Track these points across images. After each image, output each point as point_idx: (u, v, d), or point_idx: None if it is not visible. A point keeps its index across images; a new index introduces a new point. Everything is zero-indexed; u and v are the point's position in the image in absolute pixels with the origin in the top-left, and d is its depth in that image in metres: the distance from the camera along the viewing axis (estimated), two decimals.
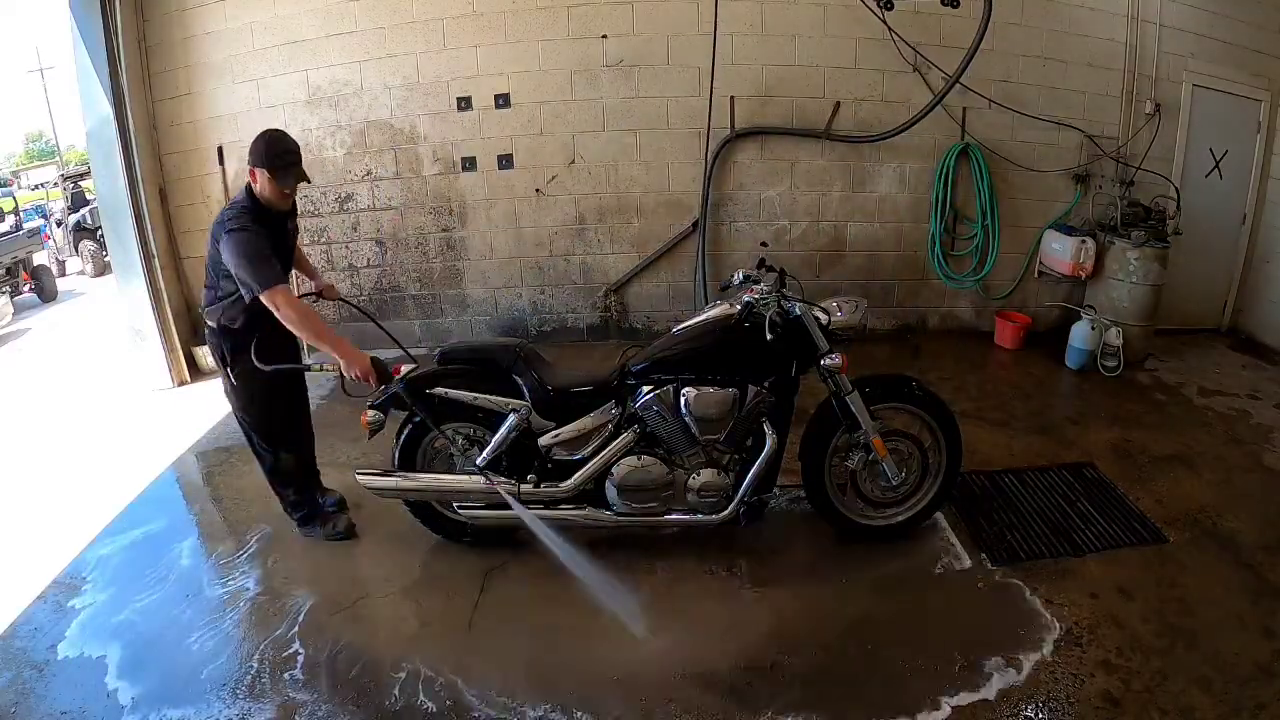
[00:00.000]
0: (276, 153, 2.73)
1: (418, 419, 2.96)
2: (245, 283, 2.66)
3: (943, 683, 2.40)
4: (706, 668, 2.50)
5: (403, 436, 3.00)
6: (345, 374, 2.73)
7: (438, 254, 5.45)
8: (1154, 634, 2.58)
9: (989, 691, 2.37)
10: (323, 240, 5.45)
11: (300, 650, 2.64)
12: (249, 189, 2.80)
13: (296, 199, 3.01)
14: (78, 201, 13.35)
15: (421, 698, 2.42)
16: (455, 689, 2.45)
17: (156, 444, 4.26)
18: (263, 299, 2.63)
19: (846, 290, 4.99)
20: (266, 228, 2.75)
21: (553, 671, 2.52)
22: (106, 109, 4.75)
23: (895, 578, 2.92)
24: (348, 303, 3.60)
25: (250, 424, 3.07)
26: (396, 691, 2.45)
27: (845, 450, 3.03)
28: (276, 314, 2.65)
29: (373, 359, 2.74)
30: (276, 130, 2.83)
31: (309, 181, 2.96)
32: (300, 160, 2.80)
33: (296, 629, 2.75)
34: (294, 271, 3.16)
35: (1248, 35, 5.11)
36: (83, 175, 14.30)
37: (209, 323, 2.94)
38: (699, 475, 2.85)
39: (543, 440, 2.89)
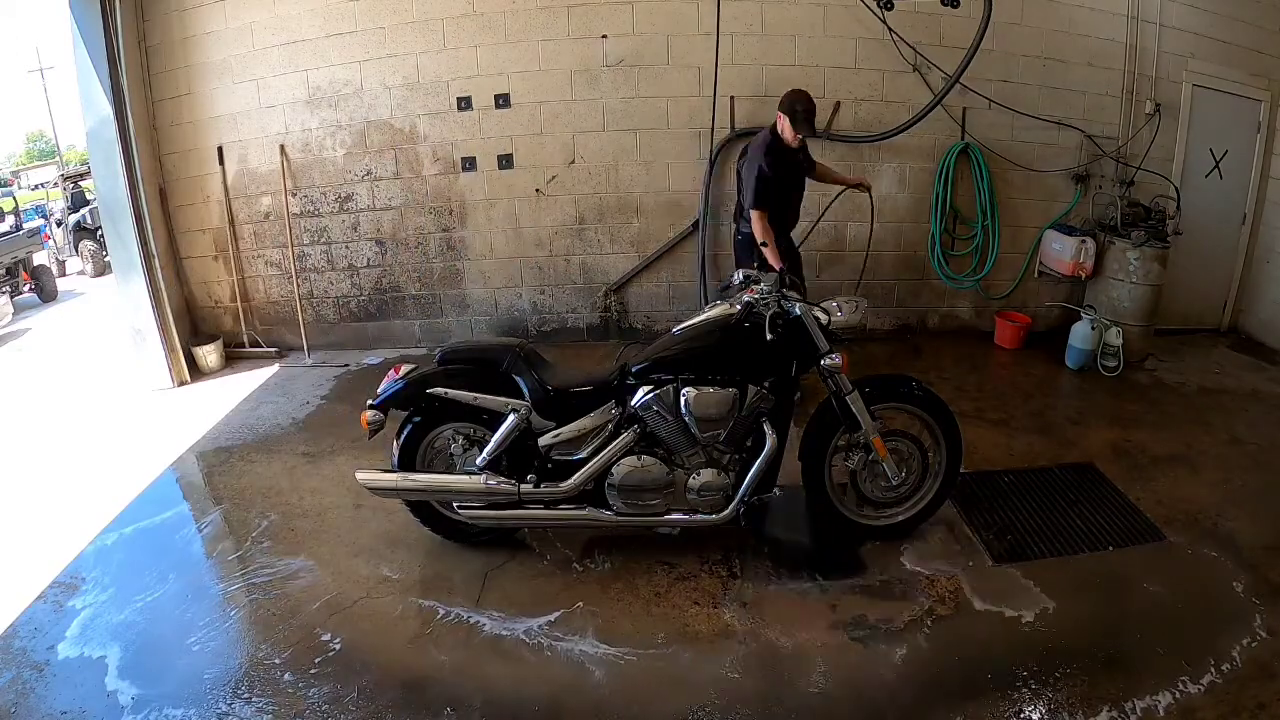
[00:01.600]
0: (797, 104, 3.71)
1: (418, 419, 2.96)
2: (746, 196, 3.93)
3: None
4: (705, 668, 2.50)
5: (403, 436, 3.00)
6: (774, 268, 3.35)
7: (438, 254, 5.45)
8: (1153, 633, 2.58)
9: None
10: (323, 240, 5.45)
11: (301, 651, 2.64)
12: (774, 128, 3.86)
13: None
14: (78, 201, 13.33)
15: (421, 698, 2.42)
16: (455, 689, 2.45)
17: (156, 444, 4.26)
18: (751, 211, 3.83)
19: (846, 290, 4.99)
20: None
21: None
22: (106, 109, 4.75)
23: (895, 578, 2.92)
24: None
25: None
26: (397, 692, 2.45)
27: (845, 450, 3.03)
28: (754, 225, 3.82)
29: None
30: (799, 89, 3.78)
31: (815, 134, 3.96)
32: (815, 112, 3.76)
33: (297, 629, 2.75)
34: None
35: (1248, 35, 5.10)
36: (83, 175, 14.30)
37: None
38: (699, 475, 2.85)
39: (543, 440, 2.89)
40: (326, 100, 5.15)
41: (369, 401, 2.91)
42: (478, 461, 2.88)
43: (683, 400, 2.75)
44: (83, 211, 12.81)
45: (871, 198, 4.31)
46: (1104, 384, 4.70)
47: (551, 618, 2.76)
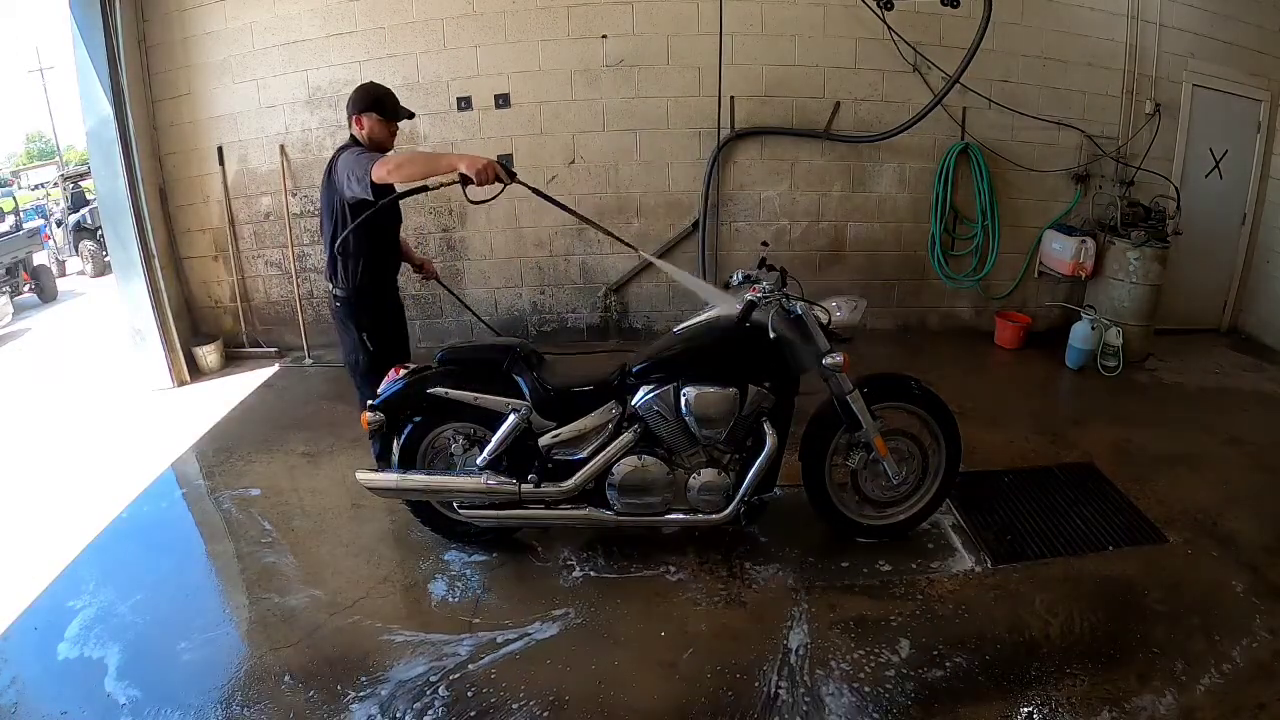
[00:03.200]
0: (380, 95, 2.95)
1: (418, 419, 2.96)
2: (358, 179, 2.74)
3: None
4: (705, 668, 2.50)
5: (403, 436, 3.00)
6: (471, 176, 2.57)
7: (438, 254, 5.45)
8: (1153, 633, 2.58)
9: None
10: (323, 240, 5.44)
11: (300, 651, 2.64)
12: (353, 138, 2.99)
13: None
14: (78, 201, 13.34)
15: (421, 698, 2.42)
16: (455, 688, 2.45)
17: (156, 444, 4.26)
18: (374, 177, 2.68)
19: (847, 290, 4.99)
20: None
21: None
22: (106, 109, 4.75)
23: (895, 578, 2.92)
24: (441, 284, 3.79)
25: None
26: (397, 692, 2.45)
27: (845, 450, 3.03)
28: (392, 176, 2.67)
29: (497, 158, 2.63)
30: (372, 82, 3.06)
31: (412, 116, 3.14)
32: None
33: (297, 629, 2.75)
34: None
35: (1248, 35, 5.11)
36: (83, 175, 14.30)
37: (336, 292, 3.07)
38: (699, 475, 2.85)
39: (543, 440, 2.89)
40: (327, 100, 5.15)
41: (369, 401, 2.91)
42: (478, 461, 2.88)
43: (683, 400, 2.75)
44: (83, 211, 12.81)
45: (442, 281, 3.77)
46: (1104, 384, 4.70)
47: (550, 618, 2.75)
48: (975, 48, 4.71)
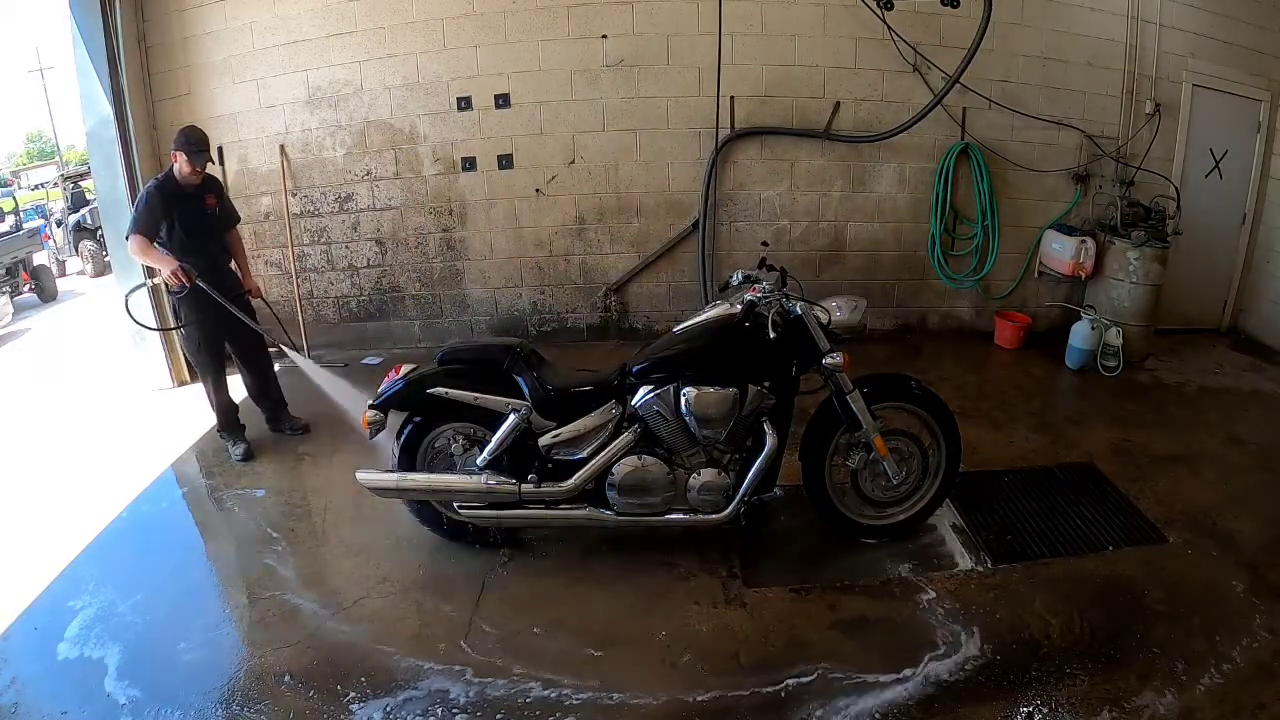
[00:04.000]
0: (191, 139, 3.60)
1: (418, 419, 2.96)
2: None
3: None
4: (705, 668, 2.50)
5: (403, 436, 3.00)
6: (163, 280, 3.64)
7: (438, 254, 5.45)
8: (1153, 633, 2.58)
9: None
10: (323, 240, 5.45)
11: (300, 651, 2.64)
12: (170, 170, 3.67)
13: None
14: (78, 201, 13.34)
15: (421, 698, 2.42)
16: (455, 689, 2.45)
17: (156, 444, 4.26)
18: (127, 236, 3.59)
19: (847, 290, 4.99)
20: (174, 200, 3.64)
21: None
22: (106, 109, 4.75)
23: (894, 578, 2.92)
24: (264, 301, 4.31)
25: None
26: (397, 692, 2.45)
27: (845, 450, 3.03)
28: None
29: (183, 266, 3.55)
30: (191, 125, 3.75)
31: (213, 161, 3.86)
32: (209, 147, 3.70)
33: (297, 629, 2.75)
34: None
35: (1248, 35, 5.11)
36: (83, 175, 14.31)
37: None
38: (699, 475, 2.85)
39: (543, 440, 2.89)
40: (326, 100, 5.15)
41: (369, 401, 2.91)
42: (478, 461, 2.88)
43: (683, 400, 2.75)
44: (83, 211, 12.82)
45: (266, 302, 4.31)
46: (1104, 384, 4.70)
47: (550, 618, 2.75)
48: (975, 48, 4.71)
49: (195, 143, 3.61)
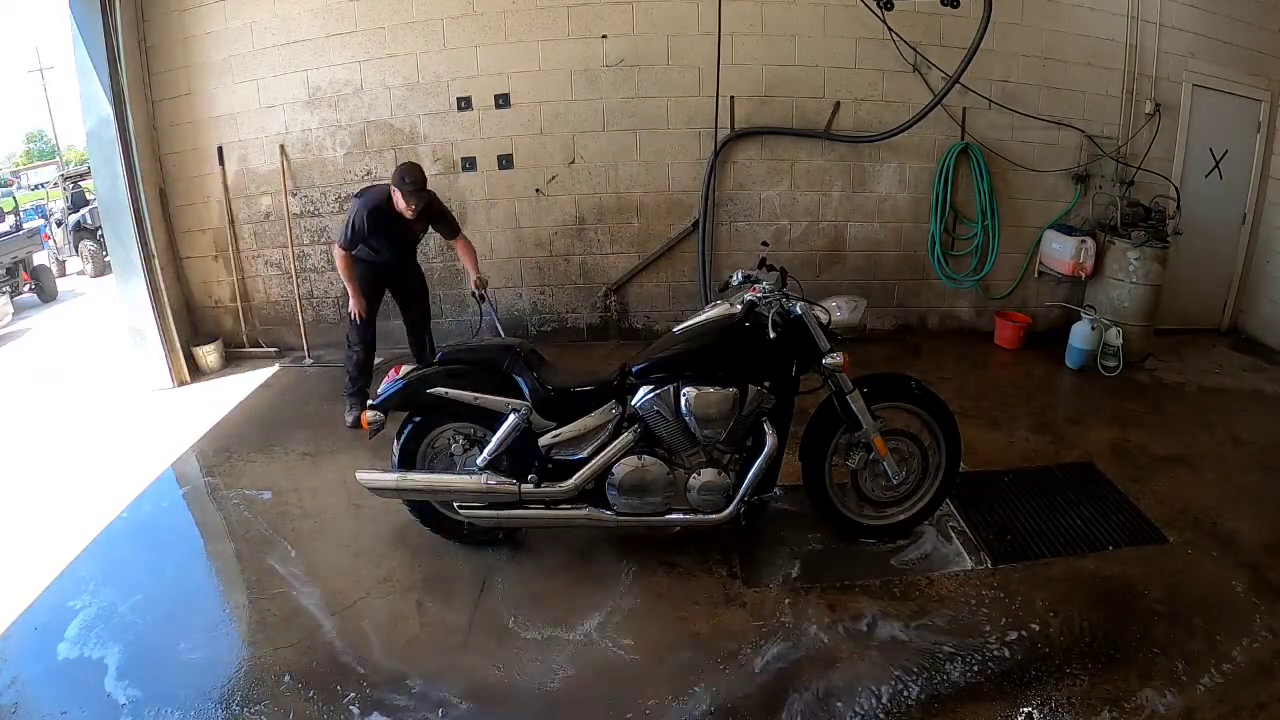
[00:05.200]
0: (407, 178, 3.76)
1: (418, 419, 2.96)
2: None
3: None
4: (705, 667, 2.50)
5: (403, 436, 3.00)
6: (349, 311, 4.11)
7: (438, 254, 5.45)
8: (1153, 633, 2.58)
9: None
10: (323, 240, 5.45)
11: (300, 651, 2.64)
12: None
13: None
14: (78, 201, 13.33)
15: (421, 698, 2.42)
16: (455, 689, 2.45)
17: (156, 444, 4.26)
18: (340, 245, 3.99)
19: (847, 290, 4.99)
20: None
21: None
22: (106, 109, 4.75)
23: (894, 578, 2.91)
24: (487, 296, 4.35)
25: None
26: (397, 692, 2.45)
27: (845, 450, 3.03)
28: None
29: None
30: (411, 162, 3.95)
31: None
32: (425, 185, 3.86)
33: (297, 630, 2.75)
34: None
35: (1248, 35, 5.11)
36: (83, 175, 14.29)
37: None
38: (699, 475, 2.85)
39: (543, 440, 2.89)
40: (326, 100, 5.15)
41: (369, 401, 2.91)
42: (478, 461, 2.88)
43: (683, 400, 2.75)
44: (83, 211, 12.81)
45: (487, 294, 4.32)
46: (1104, 384, 4.70)
47: (550, 617, 2.75)
48: (975, 48, 4.71)
49: (412, 183, 3.75)
